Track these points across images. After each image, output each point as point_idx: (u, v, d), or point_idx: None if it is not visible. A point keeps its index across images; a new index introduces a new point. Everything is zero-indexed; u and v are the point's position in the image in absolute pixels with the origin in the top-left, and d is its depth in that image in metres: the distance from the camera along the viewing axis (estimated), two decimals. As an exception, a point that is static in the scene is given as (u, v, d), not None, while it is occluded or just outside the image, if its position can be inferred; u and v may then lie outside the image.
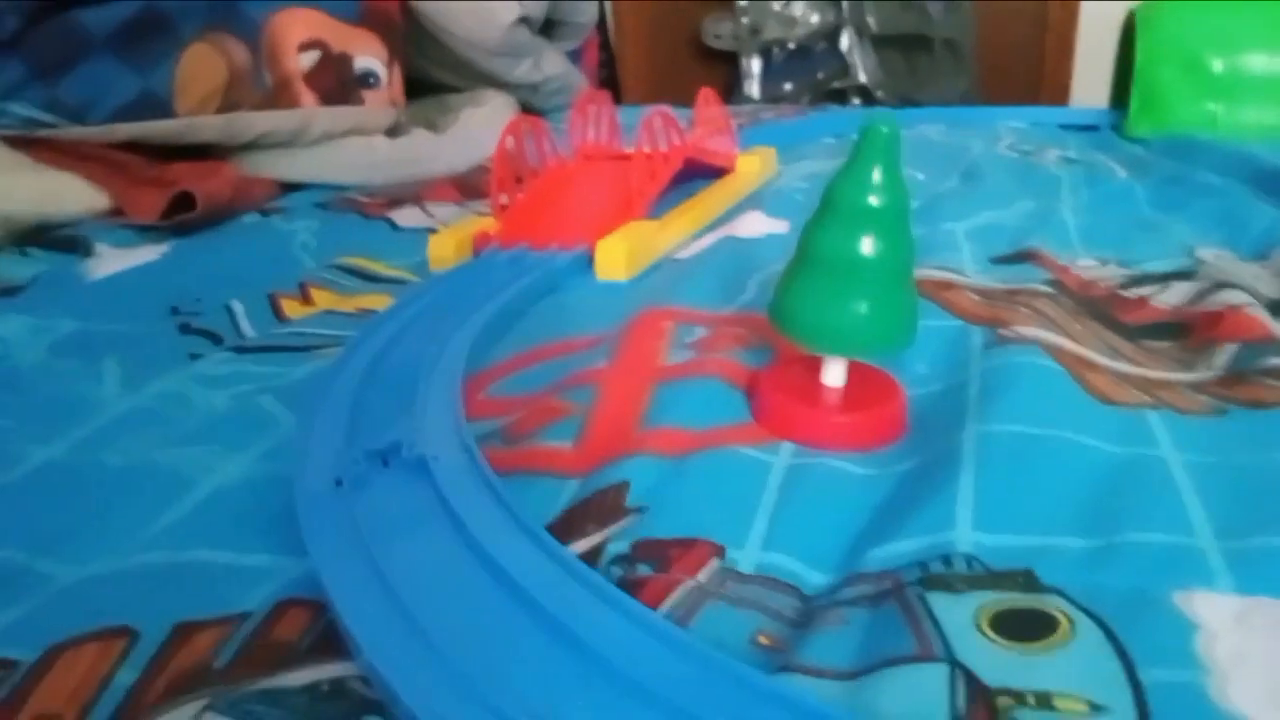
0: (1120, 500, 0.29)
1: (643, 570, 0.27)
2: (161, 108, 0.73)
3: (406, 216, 0.70)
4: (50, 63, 0.67)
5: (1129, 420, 0.35)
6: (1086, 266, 0.53)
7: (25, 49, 0.66)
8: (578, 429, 0.35)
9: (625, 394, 0.37)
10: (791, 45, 2.54)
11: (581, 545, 0.28)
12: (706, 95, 0.74)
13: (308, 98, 0.80)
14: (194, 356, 0.45)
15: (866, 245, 0.32)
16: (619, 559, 0.27)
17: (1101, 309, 0.47)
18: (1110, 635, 0.23)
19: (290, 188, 0.79)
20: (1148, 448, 0.33)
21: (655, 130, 0.62)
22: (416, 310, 0.48)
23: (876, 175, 0.32)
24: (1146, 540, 0.27)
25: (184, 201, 0.65)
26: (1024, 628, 0.23)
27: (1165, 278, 0.50)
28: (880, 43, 2.45)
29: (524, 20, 0.98)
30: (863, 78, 2.48)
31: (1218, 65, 0.95)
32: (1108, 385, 0.37)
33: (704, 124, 0.72)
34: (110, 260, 0.60)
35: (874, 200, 0.32)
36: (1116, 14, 1.16)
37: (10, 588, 0.28)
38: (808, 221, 0.34)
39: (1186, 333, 0.44)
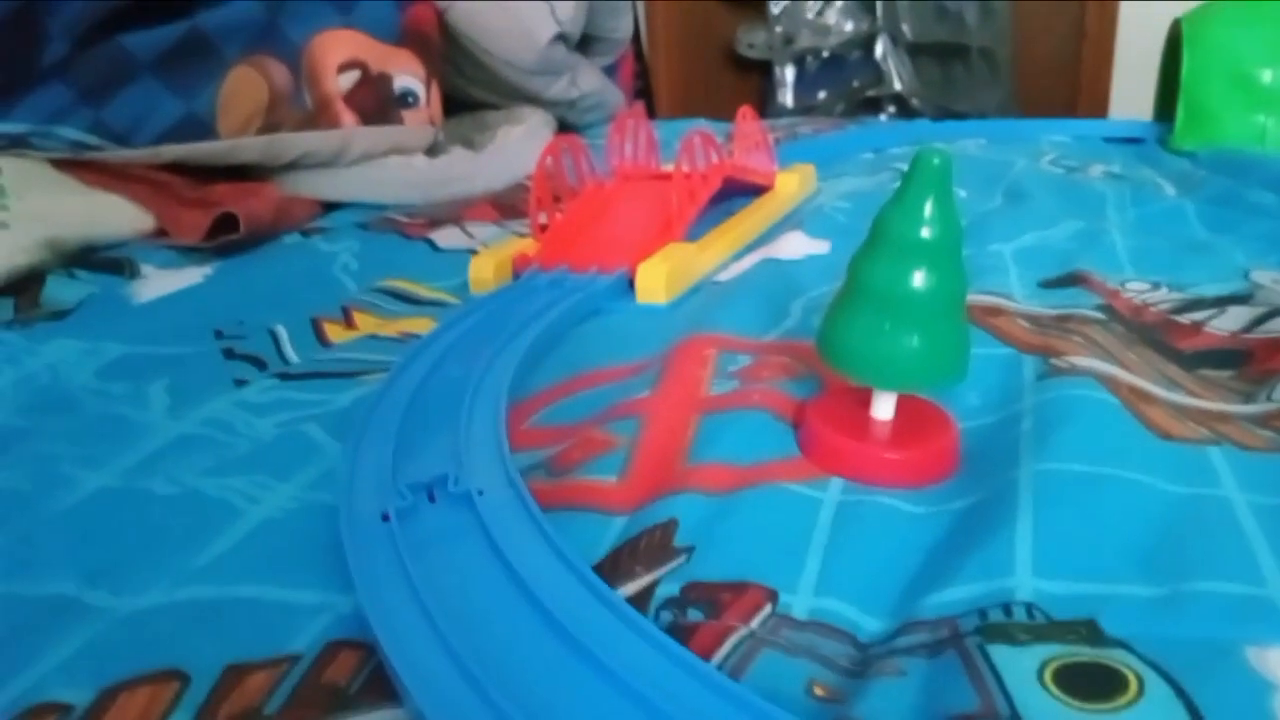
0: (1185, 545, 0.28)
1: (694, 615, 0.26)
2: (204, 129, 0.74)
3: (447, 237, 0.70)
4: (97, 86, 0.68)
5: (1190, 457, 0.34)
6: (1138, 290, 0.52)
7: (73, 73, 0.67)
8: (623, 463, 0.35)
9: (670, 426, 0.37)
10: (825, 54, 2.53)
11: (630, 588, 0.28)
12: (745, 113, 0.73)
13: (348, 118, 0.81)
14: (239, 382, 0.45)
15: (918, 278, 0.32)
16: (669, 603, 0.27)
17: (1155, 335, 0.46)
18: (1180, 693, 0.22)
19: (331, 207, 0.79)
20: (1211, 487, 0.32)
21: (695, 150, 0.61)
22: (458, 335, 0.48)
23: (928, 207, 0.32)
24: (1215, 590, 0.26)
25: (227, 222, 0.65)
26: (1090, 684, 0.23)
27: (1220, 302, 0.49)
28: (915, 51, 2.43)
29: (561, 38, 0.98)
30: (898, 86, 2.46)
31: (1267, 76, 0.93)
32: (1166, 419, 0.36)
33: (743, 141, 0.71)
34: (156, 282, 0.60)
35: (926, 233, 0.32)
36: (1155, 22, 1.14)
37: (63, 621, 0.28)
38: (856, 252, 0.34)
39: (1245, 361, 0.43)
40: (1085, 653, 0.24)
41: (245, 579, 0.30)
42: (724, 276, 0.58)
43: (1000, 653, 0.24)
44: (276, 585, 0.29)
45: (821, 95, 2.47)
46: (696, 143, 0.62)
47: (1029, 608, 0.26)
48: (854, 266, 0.33)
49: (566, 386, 0.43)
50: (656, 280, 0.54)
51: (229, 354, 0.49)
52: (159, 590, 0.29)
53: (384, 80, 0.84)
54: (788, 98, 2.53)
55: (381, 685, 0.25)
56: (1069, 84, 2.21)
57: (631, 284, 0.55)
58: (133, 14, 0.69)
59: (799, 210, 0.72)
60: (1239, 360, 0.43)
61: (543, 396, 0.42)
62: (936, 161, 0.31)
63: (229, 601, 0.29)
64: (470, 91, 1.03)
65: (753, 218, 0.67)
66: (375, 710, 0.24)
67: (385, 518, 0.30)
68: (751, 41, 2.59)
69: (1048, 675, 0.23)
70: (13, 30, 0.63)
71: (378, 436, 0.36)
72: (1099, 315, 0.47)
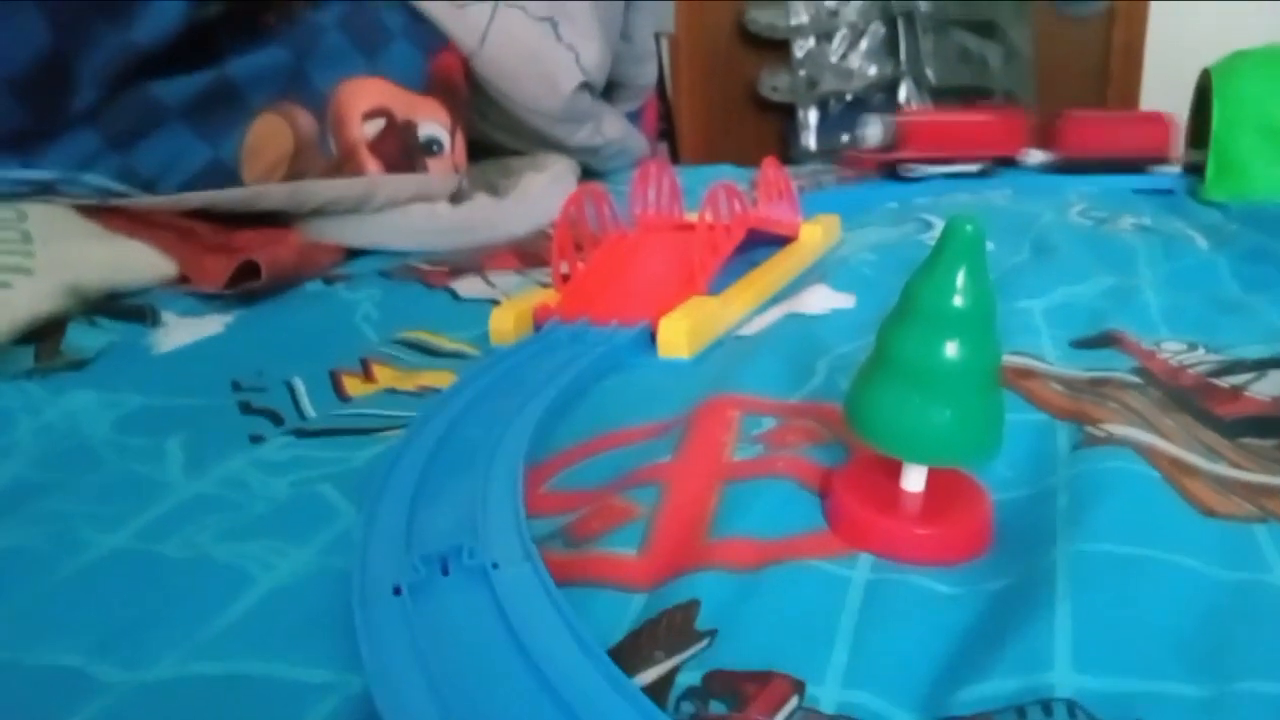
0: (1231, 637, 0.27)
1: (716, 708, 0.25)
2: (230, 176, 0.74)
3: (468, 286, 0.70)
4: (125, 133, 0.69)
5: (1235, 536, 0.32)
6: (1173, 351, 0.50)
7: (102, 120, 0.68)
8: (643, 534, 0.34)
9: (692, 495, 0.36)
10: (849, 97, 2.54)
11: (650, 674, 0.27)
12: (769, 162, 0.73)
13: (372, 165, 0.81)
14: (255, 439, 0.44)
15: (950, 350, 0.31)
16: (690, 693, 0.26)
17: (1193, 400, 0.44)
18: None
19: (354, 253, 0.79)
20: (1258, 572, 0.30)
21: (719, 204, 0.61)
22: (477, 390, 0.47)
23: (960, 277, 0.31)
24: (1263, 690, 0.25)
25: (249, 269, 0.65)
26: (1139, 797, 0.21)
27: (1260, 365, 0.48)
28: (939, 95, 2.44)
29: (585, 86, 0.98)
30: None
31: (1298, 129, 0.92)
32: (1209, 494, 0.35)
33: (766, 190, 0.71)
34: (176, 331, 0.60)
35: (958, 302, 0.31)
36: (1181, 68, 1.14)
37: (69, 696, 0.27)
38: (885, 320, 0.33)
39: (1288, 430, 0.41)
40: (1131, 760, 0.23)
41: (254, 654, 0.29)
42: (747, 331, 0.57)
43: (1041, 757, 0.23)
44: (286, 662, 0.28)
45: (845, 138, 2.47)
46: (721, 196, 0.61)
47: (1070, 706, 0.24)
48: (883, 336, 0.32)
49: (586, 448, 0.42)
50: (678, 335, 0.53)
51: (245, 408, 0.48)
52: (167, 664, 0.28)
53: (409, 128, 0.84)
54: (811, 140, 2.54)
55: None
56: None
57: (653, 338, 0.54)
58: (161, 62, 0.69)
59: (823, 262, 0.71)
60: (1282, 429, 0.41)
61: (562, 458, 0.42)
62: (969, 230, 0.31)
63: (237, 679, 0.28)
64: (495, 137, 1.03)
65: (776, 270, 0.66)
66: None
67: (397, 591, 0.30)
68: (775, 85, 2.61)
69: (1092, 785, 0.22)
70: (44, 77, 0.64)
71: (393, 501, 0.36)
72: (1135, 379, 0.46)
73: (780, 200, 0.72)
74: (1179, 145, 1.09)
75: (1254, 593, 0.29)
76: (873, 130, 1.04)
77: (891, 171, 1.08)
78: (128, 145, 0.69)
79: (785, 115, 2.57)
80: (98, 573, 0.34)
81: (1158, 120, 1.12)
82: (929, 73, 2.44)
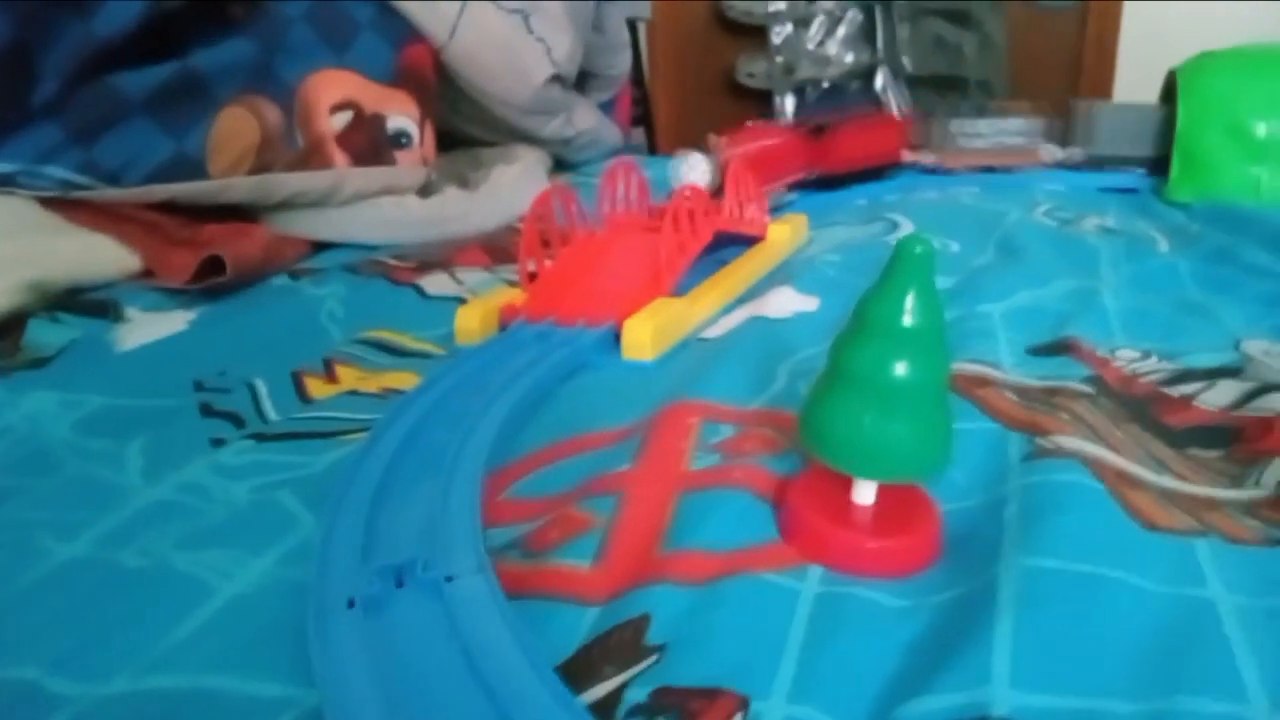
0: (1169, 655, 0.28)
1: (663, 725, 0.26)
2: (195, 169, 0.73)
3: (435, 284, 0.70)
4: (87, 126, 0.68)
5: (1176, 552, 0.33)
6: (1127, 359, 0.51)
7: (63, 113, 0.67)
8: (598, 546, 0.34)
9: (649, 506, 0.36)
10: (825, 84, 2.54)
11: (598, 691, 0.27)
12: (738, 167, 0.73)
13: (340, 158, 0.81)
14: (216, 442, 0.44)
15: (900, 367, 0.31)
16: (637, 709, 0.26)
17: (1144, 409, 0.45)
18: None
19: (321, 246, 0.79)
20: (1196, 588, 0.31)
21: (684, 208, 0.61)
22: (440, 393, 0.47)
23: (910, 297, 0.31)
24: (1196, 709, 0.25)
25: (215, 263, 0.65)
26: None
27: (1210, 374, 0.49)
28: (914, 83, 2.45)
29: (557, 78, 0.98)
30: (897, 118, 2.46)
31: (1262, 129, 0.93)
32: (1152, 507, 0.36)
33: (734, 190, 0.71)
34: (140, 327, 0.60)
35: (908, 321, 0.31)
36: (1153, 60, 1.15)
37: (25, 712, 0.27)
38: (838, 336, 0.33)
39: (1234, 440, 0.42)
40: (1062, 778, 0.23)
41: (210, 668, 0.29)
42: (712, 333, 0.58)
43: (975, 776, 0.23)
44: (241, 676, 0.29)
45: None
46: (686, 200, 0.61)
47: (1006, 723, 0.25)
48: (836, 351, 0.33)
49: (547, 454, 0.43)
50: (643, 336, 0.54)
51: (207, 410, 0.48)
52: (125, 677, 0.28)
53: (377, 121, 0.84)
54: (787, 128, 2.54)
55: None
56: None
57: (619, 339, 0.54)
58: (124, 53, 0.69)
59: (789, 263, 0.72)
60: (1228, 439, 0.42)
61: (522, 464, 0.42)
62: (919, 250, 0.31)
63: (194, 694, 0.28)
64: (465, 129, 1.03)
65: (742, 270, 0.66)
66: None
67: (352, 604, 0.30)
68: (752, 71, 2.60)
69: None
70: (3, 70, 0.63)
71: (352, 510, 0.36)
72: (1087, 389, 0.46)
73: (749, 203, 0.72)
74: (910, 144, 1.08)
75: (1191, 609, 0.30)
76: (698, 173, 0.83)
77: None
78: (90, 138, 0.68)
79: (762, 102, 2.56)
80: (55, 584, 0.34)
81: (889, 125, 1.07)
82: (905, 61, 2.45)
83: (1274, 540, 0.34)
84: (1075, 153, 1.11)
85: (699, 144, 0.88)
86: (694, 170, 0.82)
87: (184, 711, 0.27)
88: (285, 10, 0.79)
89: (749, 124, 0.96)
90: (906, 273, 0.31)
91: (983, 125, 1.06)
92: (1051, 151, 1.12)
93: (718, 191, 0.73)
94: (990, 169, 1.07)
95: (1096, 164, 1.10)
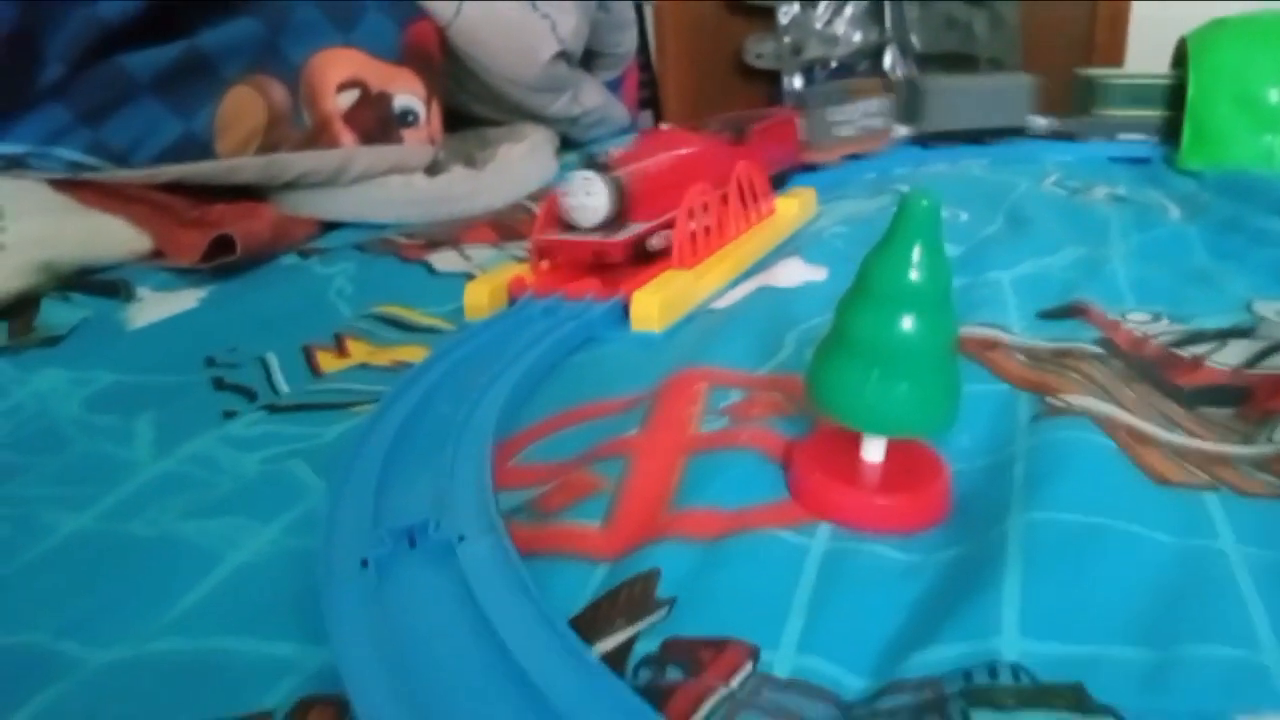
0: (1178, 604, 0.28)
1: (673, 674, 0.26)
2: (203, 149, 0.73)
3: (444, 260, 0.70)
4: (95, 107, 0.68)
5: (1187, 504, 0.33)
6: (1138, 322, 0.51)
7: (71, 94, 0.67)
8: (607, 507, 0.34)
9: (657, 468, 0.36)
10: (834, 64, 2.52)
11: (609, 642, 0.27)
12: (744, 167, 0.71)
13: (347, 137, 0.81)
14: (227, 414, 0.45)
15: (906, 324, 0.31)
16: (648, 660, 0.26)
17: (1154, 371, 0.45)
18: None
19: (330, 225, 0.79)
20: (1207, 539, 0.31)
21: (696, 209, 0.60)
22: (449, 366, 0.47)
23: (916, 252, 0.31)
24: (1207, 655, 0.25)
25: (224, 243, 0.65)
26: (1075, 757, 0.22)
27: (1221, 335, 0.48)
28: (924, 61, 2.43)
29: (563, 55, 0.98)
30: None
31: (1274, 96, 0.92)
32: (1163, 463, 0.36)
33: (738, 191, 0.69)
34: (151, 306, 0.60)
35: (914, 277, 0.31)
36: (1165, 35, 1.13)
37: (35, 674, 0.28)
38: (844, 295, 0.33)
39: (1245, 399, 0.42)
40: (1071, 721, 0.23)
41: (219, 630, 0.29)
42: (720, 304, 0.58)
43: (985, 718, 0.23)
44: (251, 637, 0.29)
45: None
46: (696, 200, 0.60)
47: (1015, 670, 0.25)
48: (841, 311, 0.33)
49: (555, 422, 0.43)
50: (650, 309, 0.53)
51: (219, 384, 0.48)
52: (133, 641, 0.29)
53: (384, 99, 0.84)
54: (795, 108, 2.52)
55: (353, 745, 0.24)
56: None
57: (627, 312, 0.54)
58: (131, 34, 0.69)
59: (798, 235, 0.71)
60: (1239, 398, 0.42)
61: (531, 432, 0.42)
62: (924, 204, 0.31)
63: (202, 654, 0.28)
64: (472, 108, 1.02)
65: (751, 244, 0.66)
66: (344, 772, 0.23)
67: (364, 564, 0.30)
68: (760, 51, 2.59)
69: (1031, 745, 0.23)
70: (10, 52, 0.63)
71: (361, 476, 0.36)
72: (1097, 350, 0.46)
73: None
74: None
75: (1202, 559, 0.30)
76: (595, 200, 0.57)
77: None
78: (98, 119, 0.69)
79: (771, 82, 2.55)
80: (63, 554, 0.34)
81: (789, 123, 0.88)
82: (914, 39, 2.43)
83: (1286, 494, 0.34)
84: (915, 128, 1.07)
85: (594, 158, 0.60)
86: (591, 198, 0.57)
87: (195, 671, 0.28)
88: (290, -11, 0.79)
89: (661, 129, 0.74)
90: (912, 227, 0.31)
91: (850, 111, 0.97)
92: (899, 130, 1.08)
93: (615, 220, 0.57)
94: (855, 156, 0.99)
95: (949, 138, 1.06)
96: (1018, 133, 1.09)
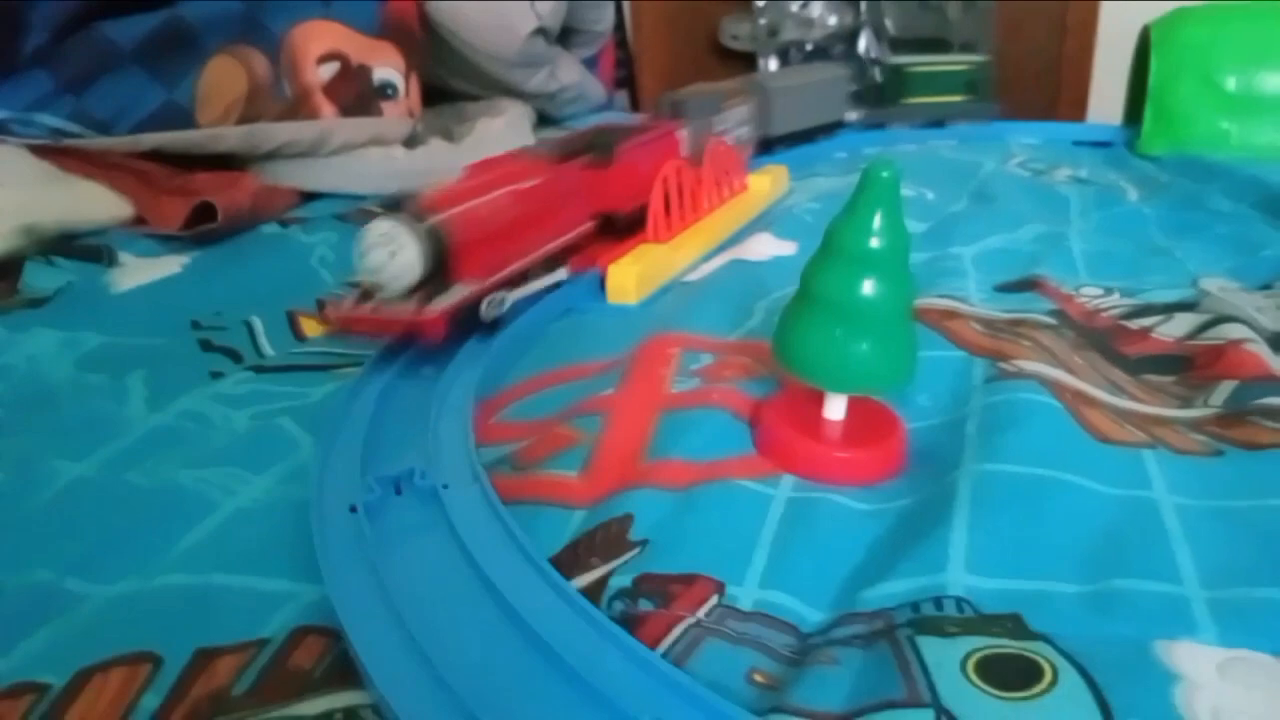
0: (1113, 545, 0.30)
1: (644, 605, 0.28)
2: (184, 118, 0.74)
3: (423, 230, 0.71)
4: (77, 75, 0.69)
5: (1126, 460, 0.35)
6: (1091, 296, 0.53)
7: (53, 63, 0.68)
8: (585, 458, 0.36)
9: (632, 423, 0.38)
10: (809, 46, 2.54)
11: (586, 579, 0.29)
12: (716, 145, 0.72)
13: (327, 109, 0.82)
14: (215, 375, 0.46)
15: (867, 287, 0.33)
16: (621, 593, 0.28)
17: (1103, 340, 0.47)
18: (1092, 685, 0.24)
19: (310, 196, 0.80)
20: (1143, 490, 0.33)
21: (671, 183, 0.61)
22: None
23: (877, 219, 0.33)
24: (1135, 588, 0.28)
25: (206, 211, 0.66)
26: (1010, 675, 0.24)
27: (1169, 309, 0.51)
28: (898, 45, 2.45)
29: (541, 31, 0.99)
30: (881, 80, 2.47)
31: (1231, 83, 0.95)
32: (1106, 423, 0.38)
33: (714, 166, 0.70)
34: (134, 271, 0.61)
35: (875, 243, 0.33)
36: (1135, 23, 1.16)
37: (42, 608, 0.29)
38: (809, 260, 0.35)
39: (1187, 367, 0.44)
40: (1007, 645, 0.26)
41: (218, 568, 0.31)
42: (693, 277, 0.60)
43: (929, 644, 0.26)
44: (248, 574, 0.31)
45: (805, 88, 2.47)
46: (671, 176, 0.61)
47: (959, 602, 0.27)
48: (807, 274, 0.35)
49: (535, 383, 0.44)
50: (627, 280, 0.55)
51: (206, 345, 0.50)
52: (135, 578, 0.30)
53: (363, 72, 0.85)
54: (771, 90, 2.54)
55: (345, 670, 0.26)
56: (1049, 82, 2.23)
57: (603, 283, 0.56)
58: (114, 4, 0.69)
59: (770, 211, 0.73)
60: (1181, 366, 0.45)
61: (511, 392, 0.44)
62: (885, 174, 0.33)
63: (201, 589, 0.30)
64: (450, 82, 1.03)
65: (724, 219, 0.68)
66: (339, 693, 0.25)
67: (353, 510, 0.32)
68: (736, 33, 2.60)
69: (970, 666, 0.25)
70: (-7, 19, 0.64)
71: (349, 432, 0.37)
72: (1050, 320, 0.49)
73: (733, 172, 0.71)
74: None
75: (1137, 508, 0.33)
76: (401, 260, 0.42)
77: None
78: (81, 87, 0.69)
79: (747, 64, 2.56)
80: (66, 500, 0.35)
81: (668, 138, 0.68)
82: (888, 23, 2.45)
83: (1217, 451, 0.36)
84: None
85: (400, 201, 0.45)
86: (397, 257, 0.42)
87: (193, 604, 0.29)
88: (271, -39, 0.79)
89: (501, 156, 0.55)
90: (874, 195, 0.33)
91: (729, 119, 0.87)
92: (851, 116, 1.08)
93: (431, 282, 0.44)
94: None
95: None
96: (839, 125, 1.07)
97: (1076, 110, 2.08)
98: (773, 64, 2.55)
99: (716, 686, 0.24)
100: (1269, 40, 0.96)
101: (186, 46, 0.74)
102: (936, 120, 1.09)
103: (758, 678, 0.26)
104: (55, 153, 0.68)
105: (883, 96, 1.15)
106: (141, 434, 0.40)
